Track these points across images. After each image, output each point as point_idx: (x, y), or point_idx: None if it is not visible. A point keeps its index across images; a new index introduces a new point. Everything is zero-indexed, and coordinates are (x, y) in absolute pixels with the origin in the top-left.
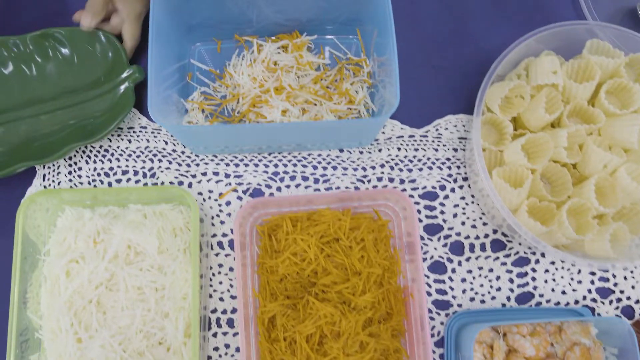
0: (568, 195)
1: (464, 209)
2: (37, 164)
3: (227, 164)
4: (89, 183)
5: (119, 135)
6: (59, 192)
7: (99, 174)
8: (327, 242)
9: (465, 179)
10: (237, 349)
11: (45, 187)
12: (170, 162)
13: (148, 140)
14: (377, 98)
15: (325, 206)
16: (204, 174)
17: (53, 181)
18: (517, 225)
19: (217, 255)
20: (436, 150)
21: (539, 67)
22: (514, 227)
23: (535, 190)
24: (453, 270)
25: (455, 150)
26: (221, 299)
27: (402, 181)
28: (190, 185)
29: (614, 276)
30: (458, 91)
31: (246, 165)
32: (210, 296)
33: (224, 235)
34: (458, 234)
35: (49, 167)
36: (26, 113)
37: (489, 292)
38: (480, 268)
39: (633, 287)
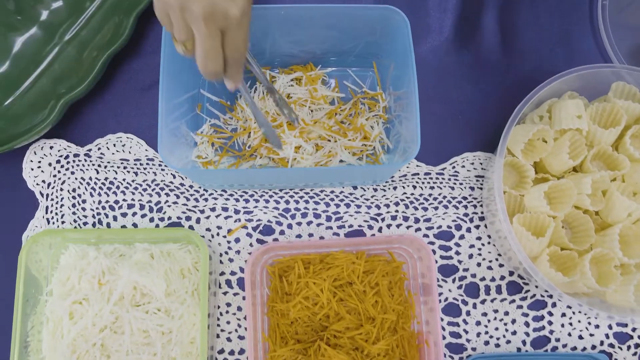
0: (590, 243)
1: (479, 249)
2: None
3: (237, 200)
4: (93, 216)
5: (124, 168)
6: (63, 232)
7: (103, 207)
8: (340, 285)
9: (481, 219)
10: None
11: (48, 220)
12: (177, 197)
13: (155, 173)
14: (393, 134)
15: (339, 249)
16: (213, 209)
17: (56, 214)
18: (538, 275)
19: (225, 294)
20: (452, 188)
21: (564, 111)
22: (534, 277)
23: (557, 238)
24: (468, 313)
25: (472, 189)
26: (229, 339)
27: (417, 220)
28: (198, 220)
29: (633, 321)
30: (476, 128)
31: (256, 201)
32: (218, 336)
33: (233, 273)
34: (473, 276)
35: (52, 199)
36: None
37: (504, 336)
38: (496, 311)
39: None
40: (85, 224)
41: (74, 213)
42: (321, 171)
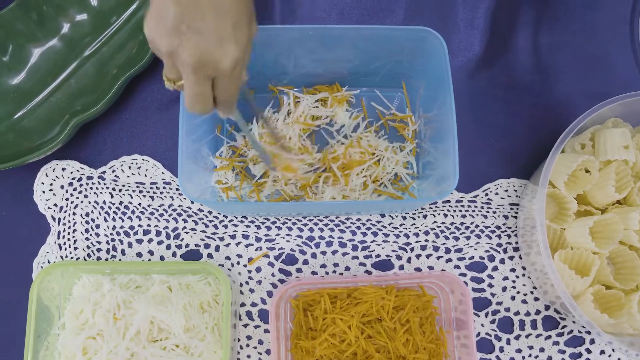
0: (637, 283)
1: (514, 282)
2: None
3: (258, 227)
4: (107, 242)
5: (140, 192)
6: (76, 264)
7: (118, 233)
8: (369, 321)
9: (516, 249)
10: None
11: (60, 245)
12: (196, 223)
13: (172, 198)
14: (424, 160)
15: (368, 284)
16: (233, 236)
17: (68, 239)
18: (583, 318)
19: (245, 326)
20: (485, 217)
21: (609, 141)
22: (578, 319)
23: (601, 276)
24: (501, 349)
25: (506, 217)
26: None
27: (447, 250)
28: (217, 248)
29: None
30: (509, 153)
31: (279, 228)
32: None
33: (254, 304)
34: (507, 310)
35: (64, 224)
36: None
37: None
38: (531, 347)
39: None
40: (99, 250)
41: (87, 239)
42: (348, 204)
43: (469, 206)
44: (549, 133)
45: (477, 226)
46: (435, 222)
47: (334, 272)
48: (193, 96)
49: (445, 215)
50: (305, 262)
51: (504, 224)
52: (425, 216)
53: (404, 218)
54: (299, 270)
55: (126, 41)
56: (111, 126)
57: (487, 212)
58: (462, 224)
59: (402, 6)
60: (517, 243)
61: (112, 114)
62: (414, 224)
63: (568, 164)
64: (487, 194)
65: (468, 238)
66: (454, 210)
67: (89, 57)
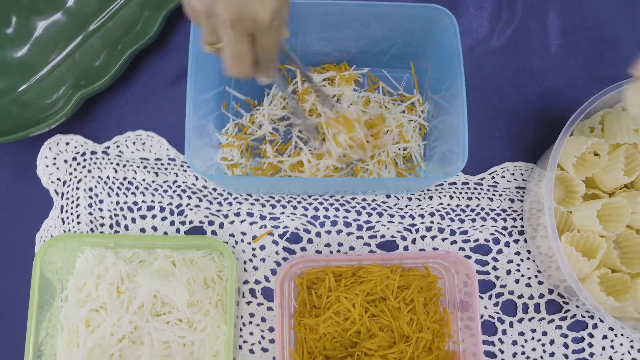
0: None
1: (518, 265)
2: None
3: (263, 205)
4: (111, 217)
5: (144, 167)
6: (79, 237)
7: (121, 209)
8: (373, 300)
9: (521, 233)
10: None
11: (63, 220)
12: (200, 200)
13: (176, 174)
14: (432, 139)
15: (372, 262)
16: (237, 214)
17: (71, 214)
18: (588, 299)
19: (248, 303)
20: (491, 200)
21: (619, 124)
22: (584, 301)
23: (608, 260)
24: (504, 332)
25: (512, 201)
26: (252, 351)
27: (452, 232)
28: (221, 225)
29: None
30: (517, 136)
31: (284, 207)
32: (240, 347)
33: (257, 282)
34: (511, 293)
35: (67, 199)
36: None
37: (541, 357)
38: (534, 330)
39: None
40: (102, 224)
41: (90, 213)
42: (354, 182)
43: (475, 189)
44: (557, 117)
45: (482, 209)
46: (441, 203)
47: (338, 251)
48: (233, 56)
49: (451, 197)
50: (310, 241)
51: (509, 207)
52: (431, 197)
53: (410, 199)
54: (303, 249)
55: (132, 16)
56: (116, 101)
57: (493, 195)
58: (467, 206)
59: None
60: (522, 226)
61: (117, 88)
62: (419, 205)
63: (577, 147)
64: (493, 177)
65: (473, 220)
66: (460, 193)
67: (94, 31)
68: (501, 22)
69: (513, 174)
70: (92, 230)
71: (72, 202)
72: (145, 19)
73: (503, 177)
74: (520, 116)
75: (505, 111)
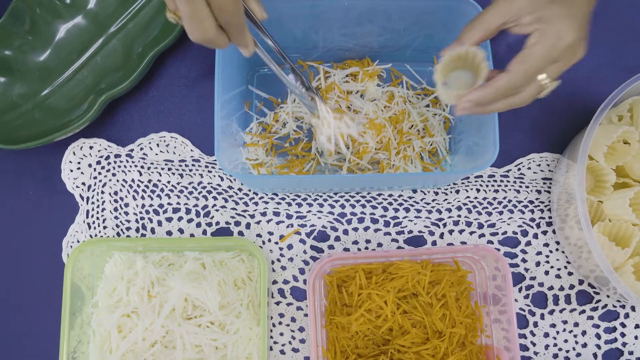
0: None
1: (547, 257)
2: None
3: (289, 204)
4: (137, 221)
5: (169, 169)
6: (108, 242)
7: (147, 212)
8: (404, 297)
9: (549, 224)
10: None
11: (89, 224)
12: (226, 200)
13: (202, 175)
14: (457, 132)
15: (402, 259)
16: (263, 214)
17: (97, 218)
18: (624, 289)
19: (277, 304)
20: (518, 192)
21: None
22: (620, 290)
23: None
24: (535, 324)
25: (539, 192)
26: (282, 352)
27: (480, 225)
28: (248, 226)
29: None
30: (542, 127)
31: (310, 205)
32: (271, 349)
33: (286, 282)
34: (541, 285)
35: (93, 203)
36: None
37: (573, 349)
38: (565, 322)
39: None
40: (128, 228)
41: (116, 217)
42: (380, 177)
43: (502, 181)
44: (581, 106)
45: (509, 201)
46: (468, 197)
47: (367, 248)
48: (188, 18)
49: (478, 191)
50: (337, 238)
51: (536, 199)
52: (457, 191)
53: (436, 194)
54: (330, 247)
55: (152, 18)
56: (138, 103)
57: (520, 186)
58: (494, 199)
59: None
60: (550, 218)
61: (139, 91)
62: (446, 199)
63: (607, 135)
64: (519, 169)
65: (501, 213)
66: (487, 185)
67: (115, 33)
68: None
69: (539, 165)
70: (118, 234)
71: (98, 206)
72: (166, 20)
73: (529, 168)
74: (544, 107)
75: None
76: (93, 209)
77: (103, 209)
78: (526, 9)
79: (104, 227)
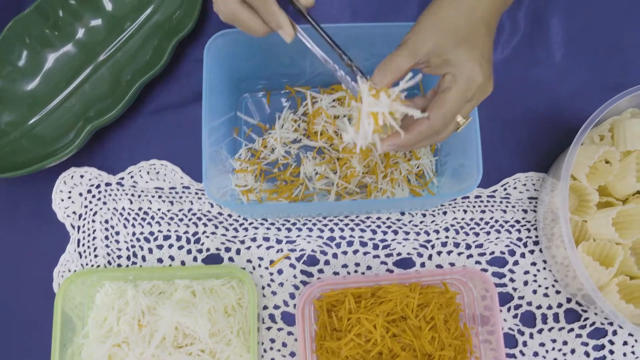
0: None
1: (535, 275)
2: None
3: (279, 229)
4: (128, 249)
5: (159, 197)
6: (98, 272)
7: (138, 240)
8: (394, 320)
9: (536, 243)
10: None
11: (80, 253)
12: (216, 227)
13: (192, 202)
14: (443, 154)
15: (391, 282)
16: (253, 239)
17: (88, 247)
18: (608, 308)
19: (268, 329)
20: (504, 211)
21: (629, 131)
22: (605, 310)
23: (625, 267)
24: (524, 344)
25: (525, 211)
26: None
27: (468, 246)
28: (238, 251)
29: None
30: (526, 147)
31: (299, 229)
32: None
33: (276, 307)
34: (529, 304)
35: (84, 232)
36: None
37: None
38: (554, 340)
39: None
40: (119, 257)
41: (107, 246)
42: (368, 203)
43: (488, 201)
44: (565, 125)
45: (496, 221)
46: (455, 218)
47: (356, 271)
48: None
49: (465, 211)
50: (327, 262)
51: (523, 218)
52: (445, 213)
53: (424, 215)
54: (320, 271)
55: (141, 46)
56: (128, 131)
57: (506, 206)
58: (481, 219)
59: (416, 3)
60: (537, 237)
61: (129, 118)
62: (433, 220)
63: (589, 156)
64: (505, 189)
65: (488, 233)
66: (473, 206)
67: (104, 62)
68: (505, 33)
69: (525, 184)
70: (109, 262)
71: (89, 235)
72: (154, 48)
73: (515, 188)
74: (528, 126)
75: (513, 122)
76: (84, 238)
77: (94, 238)
78: (434, 51)
79: (95, 256)
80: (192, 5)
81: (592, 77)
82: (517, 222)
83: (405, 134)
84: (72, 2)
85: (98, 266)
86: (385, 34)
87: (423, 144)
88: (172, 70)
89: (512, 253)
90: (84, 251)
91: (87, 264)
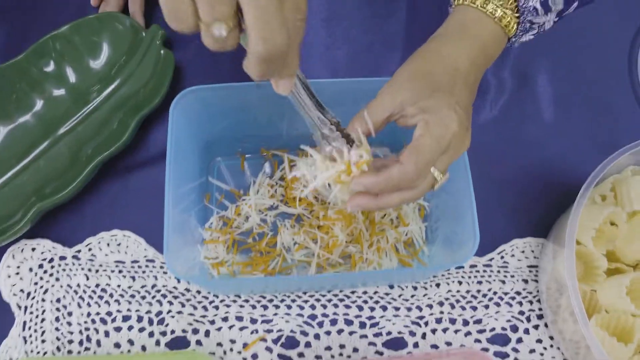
0: None
1: (542, 354)
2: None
3: (253, 306)
4: (80, 332)
5: (120, 272)
6: None
7: (93, 321)
8: None
9: (540, 317)
10: None
11: (24, 338)
12: (182, 305)
13: (156, 277)
14: (434, 219)
15: None
16: (225, 319)
17: (35, 330)
18: None
19: None
20: (503, 282)
21: (633, 190)
22: None
23: None
24: None
25: (526, 281)
26: None
27: (465, 322)
28: (207, 333)
29: None
30: (522, 210)
31: (276, 307)
32: None
33: None
34: None
35: (31, 313)
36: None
37: None
38: None
39: None
40: (70, 341)
41: (57, 329)
42: (352, 276)
43: (485, 271)
44: (561, 186)
45: (495, 293)
46: (450, 291)
47: (341, 354)
48: (268, 16)
49: (460, 283)
50: (308, 344)
51: (524, 289)
52: (438, 285)
53: (415, 288)
54: (300, 355)
55: (103, 121)
56: (88, 200)
57: (505, 276)
58: (478, 291)
59: (397, 62)
60: (540, 309)
61: (89, 186)
62: (426, 294)
63: (593, 218)
64: (502, 257)
65: (487, 307)
66: (469, 277)
67: (63, 136)
68: (492, 92)
69: (523, 251)
70: (58, 348)
71: (37, 316)
72: (119, 121)
73: (513, 255)
74: (522, 188)
75: (506, 184)
76: (31, 320)
77: (42, 320)
78: (409, 100)
79: (43, 341)
80: (161, 79)
81: (584, 135)
82: (518, 293)
83: (374, 176)
84: (33, 72)
85: (45, 353)
86: (372, 90)
87: (395, 199)
88: (139, 138)
89: (514, 329)
90: (30, 335)
91: (32, 351)
